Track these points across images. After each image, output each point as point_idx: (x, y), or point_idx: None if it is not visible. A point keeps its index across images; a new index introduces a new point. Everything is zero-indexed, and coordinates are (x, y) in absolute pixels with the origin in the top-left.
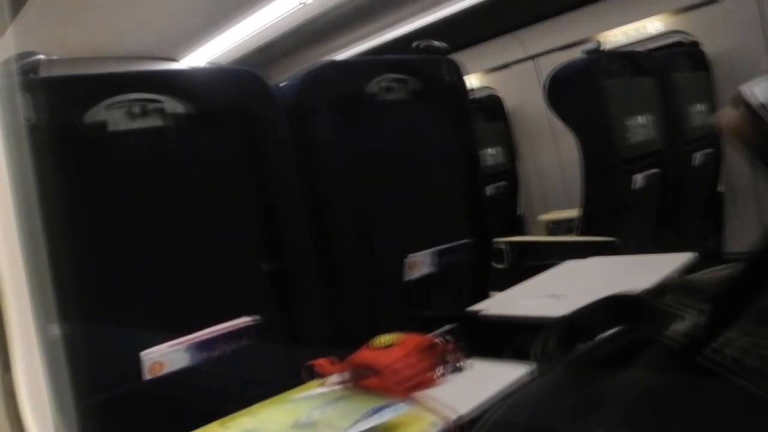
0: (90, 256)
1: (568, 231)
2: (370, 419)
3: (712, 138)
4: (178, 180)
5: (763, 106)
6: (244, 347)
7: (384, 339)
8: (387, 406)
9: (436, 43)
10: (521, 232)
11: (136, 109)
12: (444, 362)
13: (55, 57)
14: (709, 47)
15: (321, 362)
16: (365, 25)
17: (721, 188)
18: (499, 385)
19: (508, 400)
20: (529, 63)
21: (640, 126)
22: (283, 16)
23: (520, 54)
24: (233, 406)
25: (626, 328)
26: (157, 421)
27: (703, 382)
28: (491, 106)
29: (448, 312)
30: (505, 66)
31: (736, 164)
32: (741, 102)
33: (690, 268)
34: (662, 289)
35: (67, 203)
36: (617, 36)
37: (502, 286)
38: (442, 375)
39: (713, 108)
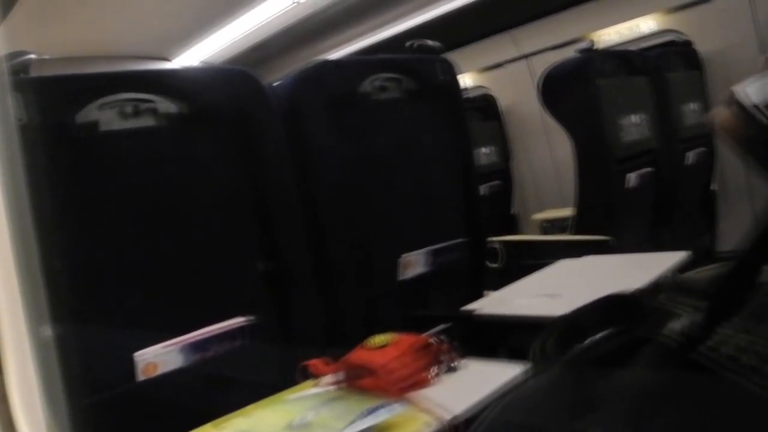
0: (82, 257)
1: (562, 230)
2: (365, 420)
3: (705, 137)
4: (171, 180)
5: (755, 106)
6: (239, 348)
7: (378, 339)
8: (382, 406)
9: (430, 42)
10: (515, 231)
11: (129, 109)
12: (438, 362)
13: (46, 56)
14: (701, 46)
15: (315, 363)
16: (359, 24)
17: (714, 187)
18: (494, 385)
19: (505, 399)
20: (523, 62)
21: (634, 125)
22: (277, 15)
23: (514, 53)
24: (227, 407)
25: (623, 327)
26: (151, 422)
27: (699, 379)
28: (485, 105)
29: (442, 311)
30: (499, 65)
31: (730, 163)
32: (734, 102)
33: (683, 267)
34: (656, 287)
35: (59, 203)
36: (610, 35)
37: (497, 285)
38: (437, 375)
39: (706, 107)
